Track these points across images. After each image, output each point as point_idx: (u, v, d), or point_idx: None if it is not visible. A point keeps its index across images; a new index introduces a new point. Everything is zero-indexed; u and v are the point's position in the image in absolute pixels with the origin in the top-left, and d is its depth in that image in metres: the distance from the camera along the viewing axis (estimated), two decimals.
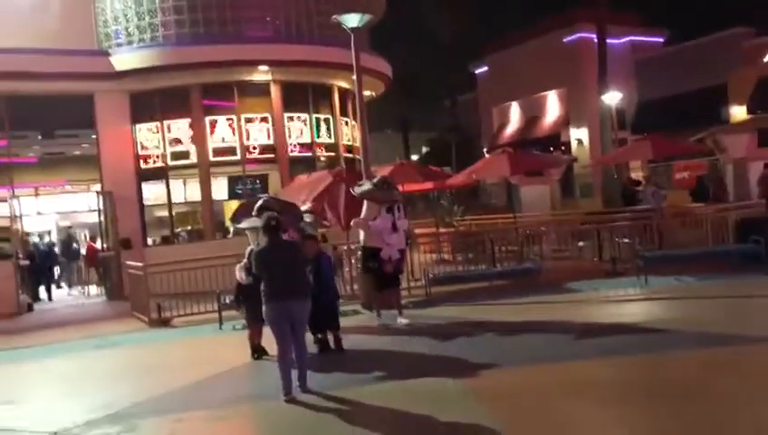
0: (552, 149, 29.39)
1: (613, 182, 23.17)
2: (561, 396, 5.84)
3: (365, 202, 9.54)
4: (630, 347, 7.22)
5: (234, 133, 17.04)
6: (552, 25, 29.13)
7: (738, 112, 24.01)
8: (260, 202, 8.46)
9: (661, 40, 30.33)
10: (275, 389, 6.45)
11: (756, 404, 5.26)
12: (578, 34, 28.48)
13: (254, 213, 8.26)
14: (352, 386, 6.67)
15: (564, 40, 28.94)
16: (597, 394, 5.88)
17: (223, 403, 6.54)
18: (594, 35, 24.90)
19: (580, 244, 14.41)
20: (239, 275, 8.45)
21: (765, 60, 23.45)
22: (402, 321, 9.49)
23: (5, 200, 15.86)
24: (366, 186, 9.67)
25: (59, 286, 18.31)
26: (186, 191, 18.06)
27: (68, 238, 18.56)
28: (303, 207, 9.87)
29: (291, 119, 17.70)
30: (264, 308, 6.60)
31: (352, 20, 11.27)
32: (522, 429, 5.18)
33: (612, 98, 23.70)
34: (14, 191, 15.99)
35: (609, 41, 23.68)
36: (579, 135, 29.29)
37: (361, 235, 9.77)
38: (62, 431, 5.99)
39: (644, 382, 6.16)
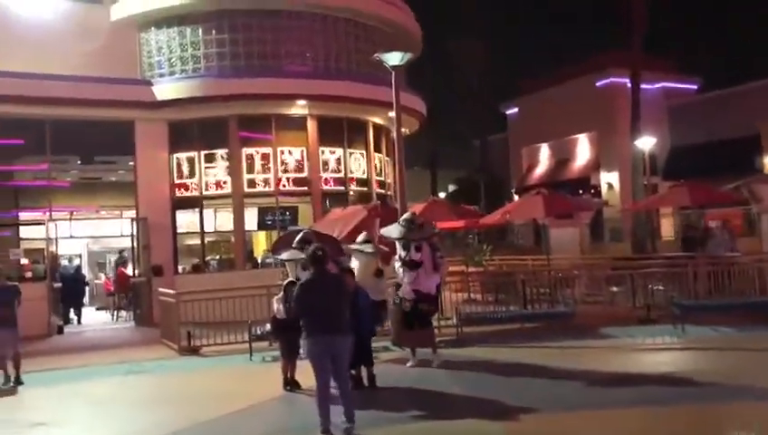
0: (581, 191, 29.30)
1: (643, 227, 22.95)
2: None
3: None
4: (667, 398, 7.08)
5: (268, 165, 17.22)
6: (584, 69, 29.27)
7: None
8: (301, 235, 8.52)
9: (695, 87, 30.33)
10: (309, 423, 6.42)
11: None
12: (610, 79, 28.59)
13: (294, 244, 8.31)
14: (388, 424, 6.62)
15: (596, 84, 29.05)
16: None
17: None
18: (626, 80, 24.95)
19: (614, 289, 14.22)
20: (276, 307, 8.46)
21: None
22: (435, 361, 9.39)
23: (43, 223, 16.16)
24: (395, 232, 9.55)
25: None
26: (216, 220, 18.22)
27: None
28: (360, 237, 9.85)
29: (325, 153, 17.85)
30: (305, 342, 6.50)
31: (394, 58, 11.42)
32: None
33: (645, 143, 23.63)
34: (51, 214, 16.24)
35: (642, 86, 23.70)
36: (609, 179, 29.17)
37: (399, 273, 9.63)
38: None
39: None
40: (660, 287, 13.15)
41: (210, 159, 17.24)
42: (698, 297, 12.40)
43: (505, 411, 6.85)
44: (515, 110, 34.32)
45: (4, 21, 15.75)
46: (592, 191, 29.86)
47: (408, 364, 9.42)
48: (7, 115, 15.37)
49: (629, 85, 23.82)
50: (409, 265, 9.13)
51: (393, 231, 9.63)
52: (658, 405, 6.87)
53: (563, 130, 30.51)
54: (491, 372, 8.86)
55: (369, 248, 9.48)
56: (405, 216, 9.92)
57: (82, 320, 17.37)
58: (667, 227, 27.54)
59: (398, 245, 9.47)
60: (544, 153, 32.86)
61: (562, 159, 31.63)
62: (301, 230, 9.29)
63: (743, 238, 18.17)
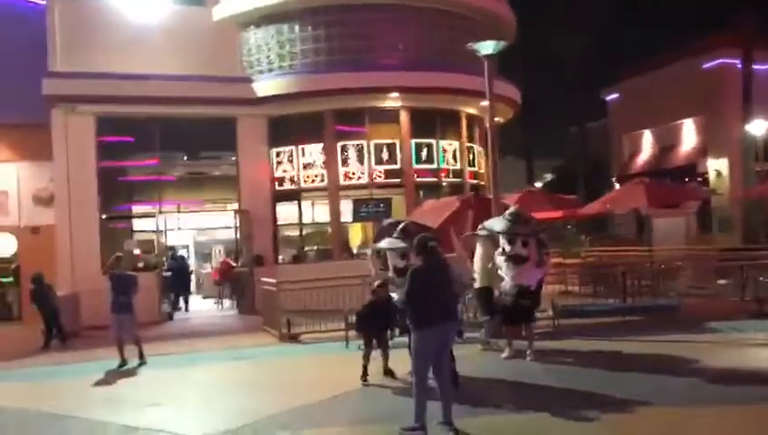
0: (687, 179, 27.93)
1: (756, 216, 21.66)
2: None
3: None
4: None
5: (363, 158, 17.50)
6: (690, 51, 27.79)
7: None
8: (402, 225, 8.74)
9: None
10: (398, 413, 6.53)
11: None
12: (719, 60, 27.01)
13: (395, 235, 8.48)
14: (482, 415, 6.63)
15: (704, 66, 27.54)
16: None
17: (353, 421, 6.69)
18: (737, 61, 23.58)
19: (722, 281, 13.56)
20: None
21: None
22: (529, 354, 9.28)
23: (153, 216, 17.14)
24: (499, 225, 9.44)
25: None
26: (314, 212, 18.71)
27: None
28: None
29: (418, 145, 17.95)
30: (416, 333, 6.31)
31: (487, 48, 11.32)
32: None
33: (757, 127, 22.28)
34: (161, 208, 17.19)
35: (754, 66, 22.35)
36: (718, 166, 27.62)
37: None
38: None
39: None
40: None
41: (307, 152, 17.71)
42: None
43: (603, 405, 6.71)
44: (616, 95, 33.08)
45: (117, 24, 16.73)
46: (699, 179, 28.39)
47: (503, 355, 9.38)
48: (119, 114, 16.41)
49: (740, 66, 22.50)
50: (514, 259, 9.04)
51: (497, 224, 9.51)
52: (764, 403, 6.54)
53: (668, 116, 29.14)
54: (588, 364, 8.68)
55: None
56: (511, 209, 9.83)
57: (190, 308, 18.29)
58: None
59: (501, 238, 9.33)
60: (647, 140, 31.51)
61: (667, 145, 30.23)
62: (400, 221, 9.43)
63: None
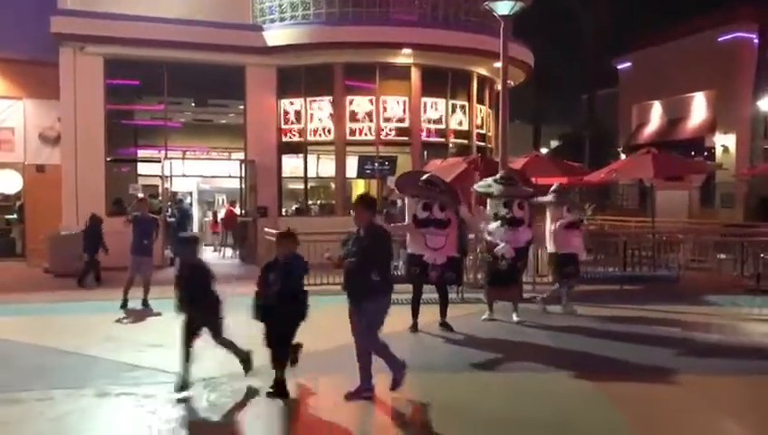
0: (693, 153, 27.85)
1: (760, 194, 21.67)
2: (696, 410, 5.65)
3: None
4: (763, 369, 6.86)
5: (371, 114, 17.42)
6: (707, 23, 27.42)
7: None
8: (427, 175, 8.92)
9: None
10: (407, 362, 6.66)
11: None
12: (735, 34, 26.66)
13: (420, 183, 8.66)
14: (485, 371, 6.78)
15: (719, 39, 27.20)
16: (730, 412, 5.64)
17: (357, 371, 6.80)
18: (754, 35, 23.28)
19: (721, 256, 13.65)
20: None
21: None
22: (515, 318, 9.31)
23: (159, 161, 17.14)
24: (491, 185, 9.40)
25: None
26: (318, 166, 18.72)
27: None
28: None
29: (427, 103, 17.84)
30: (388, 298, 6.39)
31: (504, 7, 11.14)
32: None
33: None
34: (166, 153, 17.18)
35: None
36: (725, 141, 27.52)
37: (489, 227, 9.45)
38: (209, 378, 6.47)
39: None
40: None
41: (315, 105, 17.61)
42: None
43: (596, 368, 6.85)
44: (628, 64, 32.75)
45: None
46: (706, 154, 28.33)
47: (483, 317, 9.40)
48: (127, 57, 16.28)
49: (757, 41, 22.23)
50: (512, 222, 9.02)
51: (494, 187, 9.41)
52: (759, 376, 6.67)
53: (679, 88, 28.90)
54: (585, 329, 8.80)
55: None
56: (502, 173, 9.81)
57: None
58: None
59: (495, 202, 9.33)
60: (656, 111, 31.32)
61: (675, 118, 30.05)
62: (423, 172, 9.62)
63: None
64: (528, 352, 7.61)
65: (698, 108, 29.09)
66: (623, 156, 29.22)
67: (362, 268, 5.88)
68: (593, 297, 11.13)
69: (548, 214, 9.98)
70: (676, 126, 29.86)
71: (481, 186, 9.71)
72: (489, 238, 9.19)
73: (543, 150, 35.26)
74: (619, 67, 33.37)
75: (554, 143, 40.83)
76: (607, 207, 23.15)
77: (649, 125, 31.43)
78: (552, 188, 10.10)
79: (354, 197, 19.63)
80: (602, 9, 32.63)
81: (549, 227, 9.96)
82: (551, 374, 6.60)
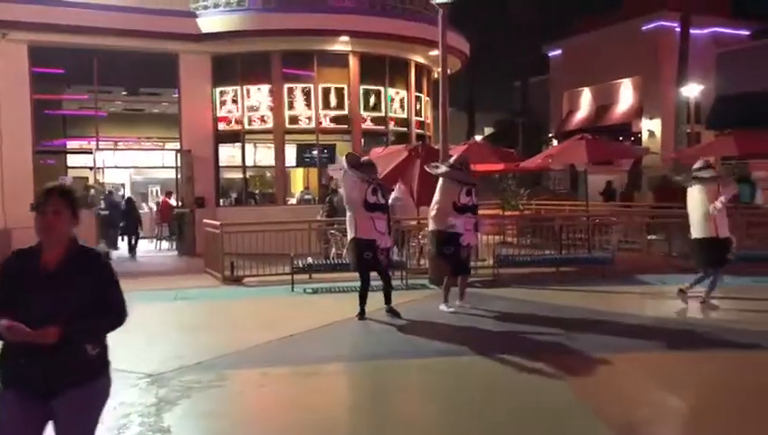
0: (621, 138, 28.87)
1: (686, 176, 22.63)
2: (638, 385, 5.93)
3: (441, 184, 9.22)
4: (698, 344, 7.23)
5: (309, 102, 17.30)
6: (632, 12, 28.42)
7: None
8: (366, 158, 9.06)
9: (747, 33, 29.26)
10: (354, 350, 6.74)
11: None
12: (658, 22, 27.75)
13: (456, 166, 9.13)
14: (433, 356, 6.89)
15: (643, 27, 28.22)
16: (669, 385, 5.94)
17: (305, 361, 6.83)
18: (675, 24, 24.26)
19: (651, 237, 14.23)
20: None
21: None
22: (456, 304, 9.22)
23: (90, 152, 16.58)
24: (443, 167, 9.40)
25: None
26: (257, 155, 18.51)
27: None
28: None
29: (366, 91, 17.84)
30: None
31: None
32: (610, 415, 5.24)
33: (690, 90, 23.09)
34: (98, 144, 16.64)
35: (691, 30, 23.02)
36: (651, 126, 28.66)
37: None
38: (156, 374, 6.35)
39: (710, 378, 6.18)
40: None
41: (252, 93, 17.36)
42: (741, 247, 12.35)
43: (541, 350, 7.07)
44: (558, 52, 33.60)
45: None
46: (633, 138, 29.41)
47: (450, 309, 9.36)
48: (54, 44, 15.60)
49: (678, 30, 23.15)
50: (472, 209, 9.09)
51: (459, 174, 9.19)
52: (692, 349, 7.02)
53: (606, 75, 29.88)
54: (525, 312, 9.05)
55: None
56: (457, 158, 9.85)
57: (119, 247, 17.83)
58: None
59: (451, 188, 9.32)
60: (586, 98, 32.28)
61: (604, 104, 31.07)
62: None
63: None
64: (474, 337, 7.77)
65: (625, 94, 30.15)
66: (555, 142, 30.04)
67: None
68: (532, 280, 11.45)
69: (698, 195, 8.88)
70: (604, 112, 30.87)
71: (436, 169, 9.59)
72: (451, 229, 8.98)
73: (478, 137, 35.84)
74: (550, 54, 34.19)
75: (489, 130, 41.52)
76: (541, 191, 23.75)
77: (580, 111, 32.38)
78: (701, 165, 9.09)
79: (294, 185, 19.60)
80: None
81: (699, 208, 8.89)
82: (497, 358, 6.76)
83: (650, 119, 28.58)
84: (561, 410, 5.28)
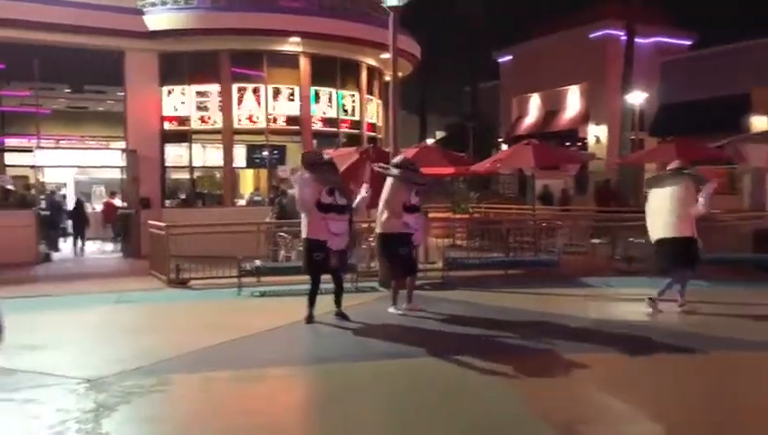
0: (568, 144, 29.46)
1: (629, 182, 23.24)
2: (582, 386, 6.02)
3: (390, 185, 9.10)
4: (640, 345, 7.37)
5: (260, 102, 17.12)
6: (580, 20, 29.07)
7: (759, 123, 23.98)
8: (327, 157, 8.89)
9: (688, 43, 30.24)
10: (301, 354, 6.68)
11: (761, 410, 5.44)
12: (604, 30, 28.45)
13: (411, 167, 9.01)
14: (383, 359, 6.87)
15: (590, 35, 28.88)
16: (612, 386, 6.06)
17: (250, 364, 6.73)
18: (621, 32, 24.88)
19: (595, 240, 14.54)
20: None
21: None
22: (404, 307, 9.21)
23: (30, 150, 16.05)
24: (395, 170, 9.25)
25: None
26: (205, 155, 18.23)
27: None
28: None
29: (317, 92, 17.75)
30: None
31: None
32: (554, 415, 5.31)
33: (635, 98, 23.71)
34: (39, 142, 16.12)
35: (636, 39, 23.65)
36: (597, 132, 29.34)
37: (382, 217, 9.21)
38: (96, 379, 6.15)
39: (652, 379, 6.33)
40: (641, 240, 13.42)
41: (201, 93, 17.10)
42: None
43: (489, 351, 7.12)
44: (508, 58, 34.10)
45: None
46: (579, 144, 30.04)
47: (399, 312, 9.34)
48: None
49: (624, 38, 23.75)
50: (410, 209, 9.08)
51: (412, 175, 9.23)
52: (633, 351, 7.17)
53: (555, 81, 30.47)
54: (473, 314, 9.11)
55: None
56: (402, 159, 9.85)
57: (61, 248, 17.36)
58: None
59: (393, 188, 9.24)
60: (534, 103, 32.85)
61: (552, 110, 31.66)
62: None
63: (726, 196, 18.57)
64: (423, 339, 7.77)
65: (573, 100, 30.80)
66: (504, 146, 30.46)
67: None
68: (480, 283, 11.56)
69: (676, 194, 8.83)
70: (553, 118, 31.47)
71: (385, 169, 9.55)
72: (403, 229, 8.96)
73: (430, 141, 36.10)
74: (500, 60, 34.67)
75: (441, 134, 41.86)
76: (490, 195, 24.03)
77: (529, 116, 32.93)
78: (679, 165, 9.09)
79: (243, 186, 19.32)
80: (484, 3, 33.66)
81: (674, 208, 8.81)
82: (447, 359, 6.78)
83: (597, 125, 29.25)
84: (508, 411, 5.32)
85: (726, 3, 34.29)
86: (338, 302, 8.76)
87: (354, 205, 8.82)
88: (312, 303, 8.55)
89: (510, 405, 5.50)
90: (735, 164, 19.59)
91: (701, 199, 8.69)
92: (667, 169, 9.25)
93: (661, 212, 8.94)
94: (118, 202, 17.81)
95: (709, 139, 19.32)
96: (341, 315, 8.64)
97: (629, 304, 10.08)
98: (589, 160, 23.37)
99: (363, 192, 8.95)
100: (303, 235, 8.54)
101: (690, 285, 10.72)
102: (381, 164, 9.90)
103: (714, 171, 21.98)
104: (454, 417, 5.27)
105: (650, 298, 9.13)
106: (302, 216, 8.55)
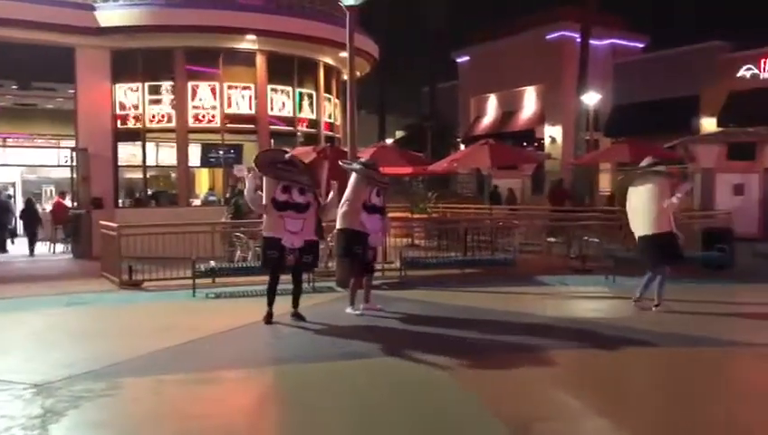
0: (525, 144, 29.84)
1: (583, 181, 23.65)
2: (536, 383, 6.08)
3: (353, 182, 9.09)
4: (595, 341, 7.49)
5: (215, 100, 16.87)
6: (537, 21, 29.45)
7: (709, 124, 24.68)
8: (288, 155, 8.72)
9: (641, 45, 30.90)
10: (256, 355, 6.61)
11: (711, 403, 5.58)
12: (561, 32, 28.87)
13: (279, 164, 8.43)
14: (340, 359, 6.82)
15: (547, 37, 29.28)
16: (567, 383, 6.13)
17: (204, 367, 6.61)
18: (576, 34, 25.26)
19: (551, 239, 14.73)
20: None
21: (738, 74, 24.12)
22: (361, 307, 9.15)
23: None
24: (358, 165, 9.30)
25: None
26: (159, 154, 17.89)
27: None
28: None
29: (274, 91, 17.58)
30: None
31: None
32: (508, 413, 5.33)
33: (590, 98, 24.12)
34: None
35: (591, 41, 24.06)
36: (553, 133, 29.76)
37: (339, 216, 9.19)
38: (44, 384, 5.96)
39: (607, 375, 6.43)
40: (595, 239, 13.68)
41: (154, 91, 16.77)
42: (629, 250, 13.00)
43: (443, 350, 7.13)
44: (466, 58, 34.35)
45: None
46: (536, 144, 30.44)
47: (357, 312, 9.25)
48: None
49: (579, 40, 24.13)
50: (371, 209, 9.01)
51: (374, 173, 9.20)
52: (588, 348, 7.28)
53: (512, 82, 30.81)
54: (431, 313, 9.13)
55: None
56: (365, 160, 9.84)
57: (9, 249, 16.89)
58: (605, 183, 28.44)
59: (356, 186, 9.09)
60: (492, 104, 33.16)
61: (509, 110, 32.01)
62: (284, 151, 9.28)
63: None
64: (381, 338, 7.74)
65: (529, 101, 31.19)
66: (462, 146, 30.68)
67: None
68: (438, 282, 11.60)
69: (652, 190, 8.95)
70: (509, 118, 31.82)
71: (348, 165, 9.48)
72: (360, 228, 8.89)
73: (389, 140, 36.12)
74: (458, 61, 34.91)
75: (400, 133, 41.93)
76: (449, 195, 24.16)
77: (486, 117, 33.23)
78: (652, 161, 9.22)
79: (199, 186, 19.04)
80: (443, 3, 33.83)
81: (652, 204, 8.95)
82: (404, 359, 6.77)
83: (552, 125, 29.68)
84: (464, 410, 5.33)
85: (678, 6, 35.18)
86: (295, 302, 8.68)
87: (323, 203, 8.78)
88: (270, 301, 8.47)
89: (466, 403, 5.51)
90: (686, 164, 20.12)
91: (675, 197, 8.87)
92: (640, 165, 9.33)
93: (640, 210, 9.09)
94: (68, 202, 17.33)
95: (661, 139, 19.82)
96: (298, 316, 8.56)
97: (584, 301, 10.28)
98: (544, 160, 23.74)
99: (333, 191, 8.92)
100: (262, 232, 8.50)
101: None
102: (346, 160, 9.88)
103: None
104: (410, 415, 5.26)
105: (635, 300, 9.30)
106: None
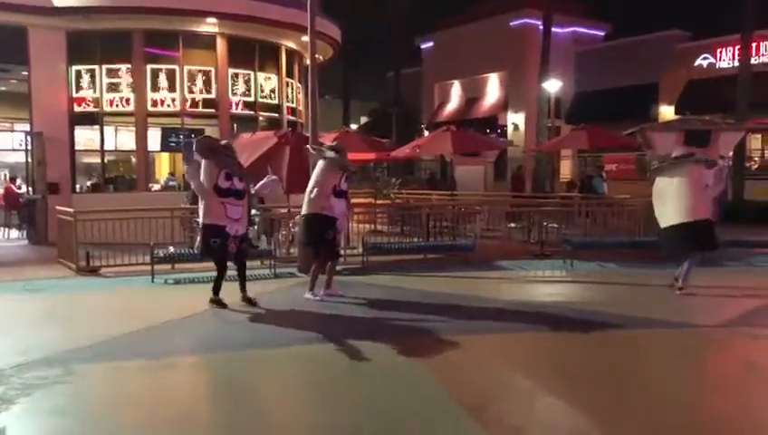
0: (488, 131, 30.03)
1: (544, 168, 23.93)
2: (493, 365, 6.17)
3: (323, 168, 8.97)
4: (553, 324, 7.63)
5: (175, 84, 16.58)
6: (501, 8, 29.58)
7: (667, 111, 25.16)
8: (225, 142, 8.67)
9: (602, 33, 31.28)
10: (214, 341, 6.62)
11: (668, 383, 5.73)
12: (524, 19, 29.06)
13: (220, 150, 8.36)
14: (298, 344, 6.82)
15: (510, 24, 29.45)
16: (524, 364, 6.23)
17: (161, 353, 6.55)
18: (539, 22, 25.43)
19: (511, 225, 14.89)
20: None
21: (696, 63, 24.60)
22: (321, 293, 9.13)
23: None
24: (330, 152, 9.09)
25: None
26: (117, 139, 17.55)
27: None
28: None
29: (235, 75, 17.35)
30: None
31: None
32: (464, 395, 5.40)
33: (552, 86, 24.35)
34: None
35: (553, 29, 24.25)
36: (516, 119, 30.01)
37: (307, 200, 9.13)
38: None
39: (563, 356, 6.56)
40: (554, 225, 13.88)
41: (112, 73, 16.40)
42: (587, 235, 13.26)
43: (403, 334, 7.20)
44: (430, 44, 34.37)
45: None
46: (499, 131, 30.67)
47: (316, 298, 9.24)
48: None
49: (542, 27, 24.31)
50: (338, 194, 8.98)
51: (341, 159, 9.05)
52: (544, 330, 7.41)
53: (475, 68, 30.94)
54: (391, 298, 9.18)
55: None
56: (333, 144, 9.73)
57: None
58: (566, 169, 28.85)
59: (326, 172, 8.95)
60: (456, 90, 33.27)
61: (473, 97, 32.15)
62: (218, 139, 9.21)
63: (637, 183, 19.29)
64: (340, 324, 7.77)
65: (492, 88, 31.38)
66: (426, 133, 30.76)
67: None
68: (399, 267, 11.65)
69: (690, 178, 8.97)
70: (473, 104, 31.98)
71: (317, 151, 9.39)
72: (326, 213, 8.85)
73: (354, 126, 36.02)
74: (423, 46, 34.91)
75: (365, 119, 41.82)
76: (411, 181, 24.23)
77: (450, 103, 33.34)
78: (685, 151, 9.23)
79: (159, 171, 18.78)
80: None
81: (690, 192, 8.94)
82: (363, 343, 6.77)
83: (515, 112, 29.92)
84: (422, 393, 5.38)
85: None
86: (243, 288, 8.65)
87: (253, 190, 8.79)
88: (215, 288, 8.43)
89: (423, 385, 5.57)
90: (644, 151, 20.44)
91: (711, 181, 9.04)
92: (673, 156, 9.34)
93: (675, 198, 9.06)
94: (21, 187, 16.89)
95: (621, 126, 20.06)
96: (249, 301, 8.54)
97: (542, 285, 10.43)
98: (506, 147, 23.93)
99: (270, 177, 8.90)
100: (201, 220, 8.39)
101: (601, 267, 11.24)
102: (315, 145, 9.80)
103: (624, 158, 22.99)
104: (368, 399, 5.29)
105: (679, 288, 9.19)
106: (200, 201, 8.41)
